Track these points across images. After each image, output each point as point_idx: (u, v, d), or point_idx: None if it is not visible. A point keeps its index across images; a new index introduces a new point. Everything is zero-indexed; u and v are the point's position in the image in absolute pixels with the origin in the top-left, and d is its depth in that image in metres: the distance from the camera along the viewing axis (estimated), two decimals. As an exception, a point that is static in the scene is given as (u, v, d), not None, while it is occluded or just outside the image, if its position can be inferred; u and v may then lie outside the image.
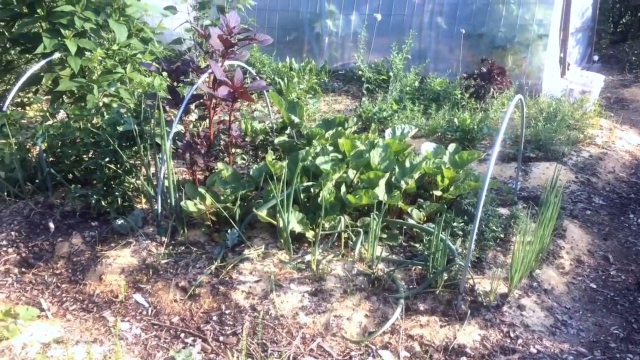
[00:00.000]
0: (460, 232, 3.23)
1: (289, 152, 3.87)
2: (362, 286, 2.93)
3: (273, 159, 3.58)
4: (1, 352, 2.46)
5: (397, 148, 3.67)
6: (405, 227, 3.34)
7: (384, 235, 3.27)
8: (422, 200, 3.46)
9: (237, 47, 3.52)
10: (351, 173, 3.49)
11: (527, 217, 3.34)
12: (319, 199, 3.24)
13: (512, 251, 3.01)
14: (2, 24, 4.39)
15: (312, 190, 3.42)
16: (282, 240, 3.15)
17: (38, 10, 3.99)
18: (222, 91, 3.41)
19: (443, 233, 2.94)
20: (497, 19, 6.32)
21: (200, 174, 3.76)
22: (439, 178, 3.45)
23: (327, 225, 3.23)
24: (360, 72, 6.40)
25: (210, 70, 3.47)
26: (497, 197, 3.84)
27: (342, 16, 7.16)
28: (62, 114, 4.63)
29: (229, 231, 3.23)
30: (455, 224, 3.23)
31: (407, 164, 3.51)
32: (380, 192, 3.28)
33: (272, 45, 3.78)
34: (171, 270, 3.06)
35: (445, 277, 2.90)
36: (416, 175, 3.41)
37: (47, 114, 3.88)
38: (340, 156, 3.58)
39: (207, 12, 6.22)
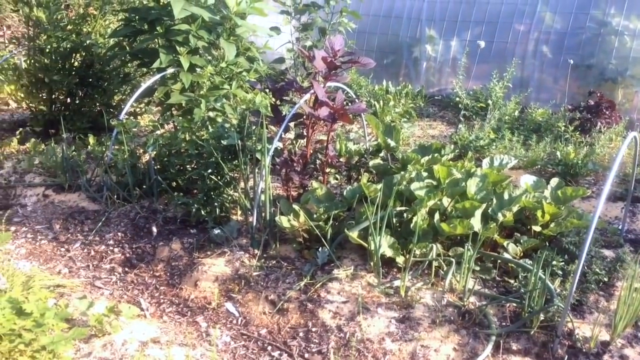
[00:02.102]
0: (560, 272, 3.06)
1: (382, 175, 3.87)
2: (452, 318, 2.85)
3: (367, 182, 3.59)
4: (103, 346, 2.63)
5: (495, 179, 3.57)
6: (499, 261, 3.22)
7: (477, 268, 3.18)
8: (519, 235, 3.33)
9: (340, 69, 3.60)
10: (445, 201, 3.43)
11: (634, 262, 3.12)
12: (412, 225, 3.21)
13: (617, 297, 2.82)
14: (123, 39, 4.76)
15: (404, 215, 3.40)
16: (371, 263, 3.15)
17: (157, 28, 4.28)
18: (323, 112, 3.49)
19: (542, 271, 2.81)
20: (608, 50, 6.01)
21: (294, 190, 3.85)
22: (539, 213, 3.31)
23: (418, 252, 3.19)
24: (457, 99, 6.30)
25: (312, 91, 3.57)
26: (601, 238, 3.61)
27: (441, 41, 7.11)
28: (169, 125, 4.91)
29: (319, 249, 3.27)
30: (554, 262, 3.08)
31: (506, 196, 3.40)
32: (476, 222, 3.19)
33: (369, 68, 3.82)
34: (262, 283, 3.14)
35: (542, 318, 2.76)
36: (515, 208, 3.29)
37: (158, 124, 4.13)
38: (435, 183, 3.54)
39: (309, 33, 6.40)
